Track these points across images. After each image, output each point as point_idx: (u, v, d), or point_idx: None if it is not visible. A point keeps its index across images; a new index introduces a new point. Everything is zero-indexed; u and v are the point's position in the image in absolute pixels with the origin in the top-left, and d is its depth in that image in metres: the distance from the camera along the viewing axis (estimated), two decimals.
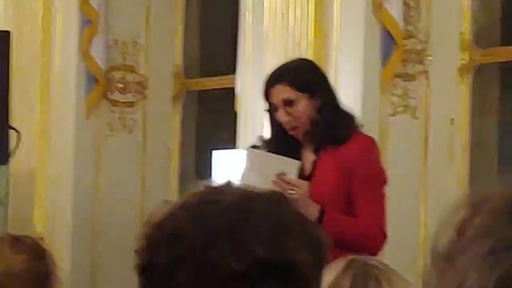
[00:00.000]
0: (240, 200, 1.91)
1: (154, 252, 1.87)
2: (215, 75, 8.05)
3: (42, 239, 3.71)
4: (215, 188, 1.97)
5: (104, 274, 7.85)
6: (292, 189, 5.29)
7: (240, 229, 1.85)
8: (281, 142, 5.56)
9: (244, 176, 5.51)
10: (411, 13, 6.82)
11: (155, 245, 1.87)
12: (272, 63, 6.26)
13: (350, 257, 2.92)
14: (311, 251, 1.88)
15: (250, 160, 5.76)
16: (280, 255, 1.82)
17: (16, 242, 3.40)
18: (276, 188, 5.23)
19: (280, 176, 5.42)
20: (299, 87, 5.45)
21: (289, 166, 5.47)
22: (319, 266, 1.92)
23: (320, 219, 5.23)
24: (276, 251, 1.83)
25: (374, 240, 5.47)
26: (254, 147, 5.78)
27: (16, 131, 7.17)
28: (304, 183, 5.30)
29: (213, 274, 1.81)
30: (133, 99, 8.06)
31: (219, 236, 1.85)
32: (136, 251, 1.87)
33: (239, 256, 1.79)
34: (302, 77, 5.56)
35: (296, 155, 5.56)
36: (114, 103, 7.97)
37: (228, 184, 2.00)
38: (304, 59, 6.08)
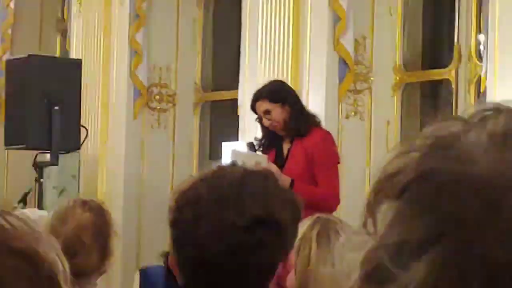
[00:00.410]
0: (241, 176, 2.10)
1: (181, 211, 2.07)
2: (224, 89, 8.66)
3: (103, 203, 4.22)
4: (224, 167, 2.24)
5: (145, 231, 8.38)
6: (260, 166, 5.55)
7: (241, 196, 2.03)
8: (270, 138, 6.24)
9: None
10: (359, 47, 7.36)
11: (182, 206, 2.07)
12: (263, 81, 6.78)
13: (317, 215, 3.16)
14: (290, 211, 2.09)
15: (234, 158, 6.06)
16: (269, 214, 2.03)
17: (85, 204, 3.72)
18: None
19: (257, 165, 5.48)
20: (273, 100, 6.06)
21: (261, 158, 6.03)
22: (295, 222, 2.14)
23: (291, 188, 5.47)
24: (266, 211, 2.03)
25: (330, 202, 6.00)
26: (251, 143, 6.34)
27: (85, 128, 7.66)
28: (273, 166, 5.85)
29: (223, 227, 2.01)
30: (166, 107, 8.60)
31: (226, 201, 2.04)
32: (169, 211, 2.11)
33: (241, 215, 2.00)
34: (274, 93, 6.16)
35: (279, 146, 6.27)
36: (153, 109, 8.56)
37: (233, 165, 2.38)
38: (276, 80, 6.70)
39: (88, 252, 3.64)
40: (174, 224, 2.14)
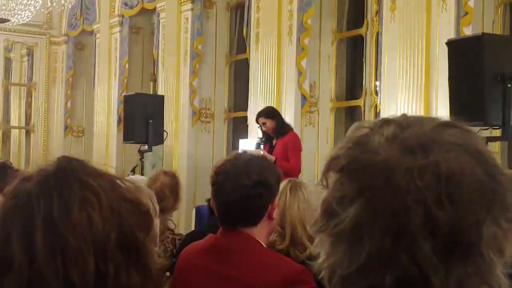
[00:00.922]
0: (249, 158, 2.33)
1: (216, 176, 2.30)
2: (240, 110, 9.28)
3: (176, 172, 4.59)
4: (240, 153, 2.49)
5: (198, 188, 8.97)
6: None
7: (248, 170, 2.23)
8: (266, 137, 6.84)
9: None
10: (313, 88, 7.98)
11: (217, 174, 2.30)
12: (260, 106, 7.54)
13: (289, 179, 3.13)
14: (275, 177, 2.30)
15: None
16: (264, 179, 2.24)
17: (165, 172, 4.10)
18: None
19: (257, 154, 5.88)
20: (267, 116, 6.81)
21: (260, 152, 6.47)
22: (278, 182, 2.33)
23: (275, 162, 6.14)
24: (262, 177, 2.24)
25: (297, 171, 6.58)
26: (258, 140, 6.80)
27: (165, 132, 8.51)
28: (266, 154, 6.38)
29: (239, 186, 2.23)
30: (209, 120, 9.54)
31: (240, 171, 2.25)
32: (210, 176, 2.33)
33: (249, 180, 2.21)
34: (268, 112, 6.88)
35: (271, 142, 6.75)
36: (202, 121, 9.49)
37: (245, 152, 2.51)
38: (269, 106, 7.30)
39: (167, 199, 3.84)
40: (213, 184, 2.32)
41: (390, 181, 0.87)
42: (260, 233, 2.26)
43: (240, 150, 6.92)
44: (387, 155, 0.88)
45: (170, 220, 3.82)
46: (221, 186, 2.26)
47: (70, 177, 1.00)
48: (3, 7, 7.13)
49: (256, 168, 2.25)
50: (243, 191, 2.20)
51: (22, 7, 7.37)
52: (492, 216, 0.88)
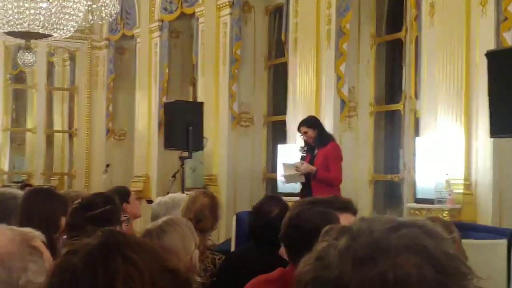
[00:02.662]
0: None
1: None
2: (279, 114, 9.30)
3: (214, 193, 4.46)
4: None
5: (238, 193, 9.20)
6: (299, 166, 6.66)
7: (278, 216, 2.62)
8: (307, 146, 6.85)
9: (285, 171, 6.81)
10: (352, 93, 8.00)
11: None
12: (299, 110, 7.86)
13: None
14: (281, 214, 2.57)
15: (284, 167, 6.87)
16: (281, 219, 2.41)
17: (204, 193, 4.09)
18: (297, 171, 6.60)
19: (296, 168, 6.66)
20: (309, 125, 6.82)
21: (298, 163, 6.70)
22: (283, 216, 2.44)
23: (316, 172, 6.60)
24: (280, 219, 2.42)
25: (337, 181, 6.69)
26: (301, 149, 6.81)
27: (205, 137, 8.65)
28: (307, 164, 6.56)
29: (271, 218, 2.84)
30: (248, 125, 9.59)
31: (272, 216, 2.83)
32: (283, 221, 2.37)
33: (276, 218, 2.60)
34: (310, 122, 6.89)
35: (310, 154, 6.76)
36: (242, 126, 9.53)
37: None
38: (311, 115, 7.32)
39: (207, 219, 3.92)
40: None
41: None
42: None
43: (278, 159, 7.38)
44: (340, 271, 0.91)
45: (210, 239, 3.90)
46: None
47: (114, 251, 1.04)
48: (46, 23, 7.27)
49: (280, 216, 2.31)
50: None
51: (65, 21, 7.49)
52: None
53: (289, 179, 6.79)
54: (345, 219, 2.18)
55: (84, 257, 1.04)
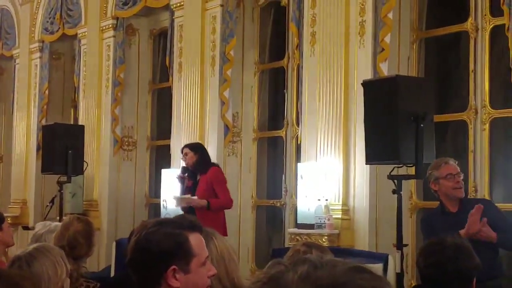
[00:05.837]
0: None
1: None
2: (162, 139, 9.29)
3: (88, 217, 4.30)
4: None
5: (119, 218, 9.14)
6: (190, 202, 6.57)
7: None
8: (187, 172, 6.80)
9: (177, 204, 6.82)
10: (235, 118, 8.13)
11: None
12: (183, 135, 7.87)
13: None
14: None
15: (176, 200, 6.81)
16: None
17: (78, 219, 3.96)
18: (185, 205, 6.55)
19: (186, 201, 6.60)
20: (191, 148, 6.89)
21: (187, 198, 6.67)
22: None
23: (209, 204, 6.55)
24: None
25: (230, 204, 6.76)
26: (182, 175, 6.76)
27: (86, 162, 8.44)
28: (195, 199, 6.49)
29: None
30: (131, 148, 9.47)
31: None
32: None
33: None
34: (193, 145, 6.94)
35: (192, 180, 6.71)
36: (124, 150, 9.41)
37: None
38: (199, 142, 7.30)
39: (81, 246, 3.80)
40: None
41: None
42: None
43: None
44: None
45: (84, 267, 3.78)
46: None
47: None
48: None
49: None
50: None
51: None
52: None
53: (179, 202, 6.79)
54: (194, 239, 2.11)
55: None
